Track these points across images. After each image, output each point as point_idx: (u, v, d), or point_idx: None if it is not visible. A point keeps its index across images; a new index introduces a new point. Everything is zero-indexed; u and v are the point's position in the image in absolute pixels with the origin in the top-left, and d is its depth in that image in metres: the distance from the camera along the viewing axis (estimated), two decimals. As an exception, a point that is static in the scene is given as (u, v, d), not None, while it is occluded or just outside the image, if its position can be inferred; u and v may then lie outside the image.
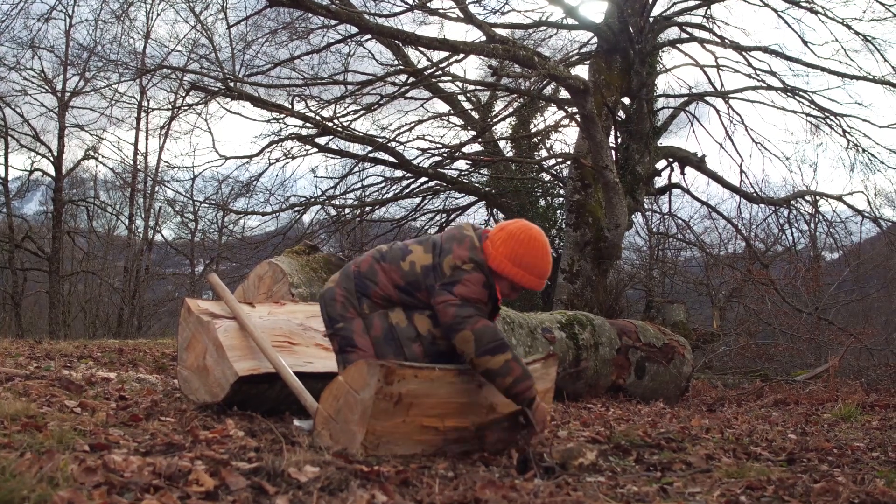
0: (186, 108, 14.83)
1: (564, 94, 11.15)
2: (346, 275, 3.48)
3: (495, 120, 14.91)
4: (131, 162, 21.21)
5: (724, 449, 3.80)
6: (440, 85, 14.31)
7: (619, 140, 12.61)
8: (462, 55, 11.87)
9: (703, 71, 14.54)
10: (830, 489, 2.73)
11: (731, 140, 15.09)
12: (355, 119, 13.56)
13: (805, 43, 13.68)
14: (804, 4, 13.02)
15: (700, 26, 14.04)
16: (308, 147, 13.58)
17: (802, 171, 41.31)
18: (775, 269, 15.74)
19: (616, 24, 12.06)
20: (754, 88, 14.09)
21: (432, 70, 12.99)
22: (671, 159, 13.99)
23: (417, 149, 14.08)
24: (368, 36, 12.18)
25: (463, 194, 15.26)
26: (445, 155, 13.90)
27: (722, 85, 14.72)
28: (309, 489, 2.27)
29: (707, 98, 14.77)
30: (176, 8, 18.20)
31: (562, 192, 14.02)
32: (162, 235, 22.77)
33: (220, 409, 3.76)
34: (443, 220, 15.38)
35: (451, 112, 15.29)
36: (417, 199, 15.20)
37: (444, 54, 12.35)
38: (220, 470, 2.34)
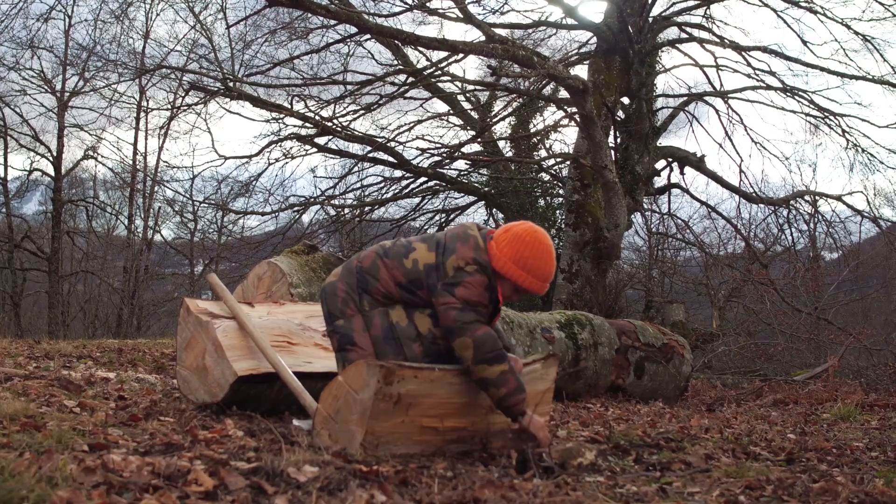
0: (186, 107, 14.86)
1: (564, 94, 11.16)
2: (349, 270, 3.46)
3: (495, 120, 14.92)
4: (130, 162, 21.21)
5: (724, 449, 3.80)
6: (439, 85, 14.32)
7: (619, 140, 12.61)
8: (461, 55, 11.89)
9: (702, 71, 14.55)
10: (829, 489, 2.73)
11: (731, 140, 15.11)
12: (354, 119, 13.60)
13: (804, 43, 13.70)
14: (803, 4, 13.02)
15: (699, 26, 14.05)
16: (307, 147, 13.59)
17: (802, 170, 41.37)
18: (775, 268, 15.74)
19: (615, 24, 12.06)
20: (754, 88, 14.10)
21: (432, 70, 12.99)
22: (670, 159, 13.99)
23: (417, 149, 14.11)
24: (368, 36, 12.19)
25: (462, 194, 15.27)
26: (445, 155, 13.91)
27: (721, 85, 14.73)
28: (308, 489, 2.27)
29: (706, 98, 14.77)
30: (175, 8, 18.21)
31: (561, 191, 14.03)
32: (161, 235, 22.79)
33: (219, 408, 3.76)
34: (442, 219, 15.39)
35: (451, 112, 15.30)
36: (417, 199, 15.22)
37: (443, 54, 12.35)
38: (220, 470, 2.34)
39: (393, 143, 13.45)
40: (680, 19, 13.88)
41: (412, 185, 14.56)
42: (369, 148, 13.23)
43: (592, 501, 2.43)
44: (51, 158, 19.83)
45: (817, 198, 15.42)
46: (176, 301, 20.27)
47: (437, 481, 2.57)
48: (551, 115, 15.27)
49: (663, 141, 14.20)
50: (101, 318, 21.24)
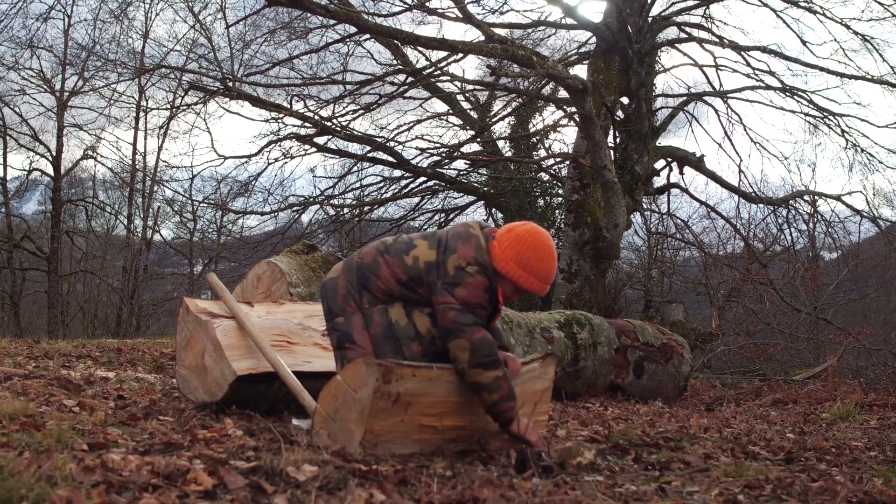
0: (185, 107, 14.85)
1: (563, 93, 11.15)
2: (350, 266, 3.45)
3: (494, 119, 14.92)
4: (130, 162, 21.21)
5: (723, 448, 3.81)
6: (439, 85, 14.31)
7: (618, 140, 12.61)
8: (461, 55, 11.88)
9: (701, 71, 14.55)
10: (828, 488, 2.73)
11: (730, 140, 15.11)
12: (354, 119, 13.59)
13: (804, 43, 13.71)
14: (803, 4, 13.03)
15: (699, 26, 14.05)
16: (307, 147, 13.59)
17: (801, 170, 41.42)
18: (774, 268, 15.75)
19: (615, 24, 12.06)
20: (753, 88, 14.10)
21: (431, 70, 12.99)
22: (670, 159, 13.99)
23: (416, 148, 14.11)
24: (367, 36, 12.18)
25: (462, 194, 15.27)
26: (444, 155, 13.91)
27: (721, 85, 14.73)
28: (307, 488, 2.27)
29: (706, 98, 14.77)
30: (175, 8, 18.23)
31: (560, 191, 14.03)
32: (161, 235, 22.79)
33: (218, 408, 3.76)
34: (441, 219, 15.39)
35: (450, 112, 15.30)
36: (416, 199, 15.22)
37: (442, 54, 12.34)
38: (219, 469, 2.34)
39: (392, 143, 13.45)
40: (679, 19, 13.89)
41: (411, 185, 14.56)
42: (368, 148, 13.22)
43: (591, 500, 2.43)
44: (50, 158, 19.83)
45: (816, 198, 15.42)
46: (175, 301, 20.27)
47: (436, 480, 2.57)
48: (550, 114, 15.30)
49: (663, 141, 14.21)
50: (100, 317, 21.25)
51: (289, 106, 12.64)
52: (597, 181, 10.92)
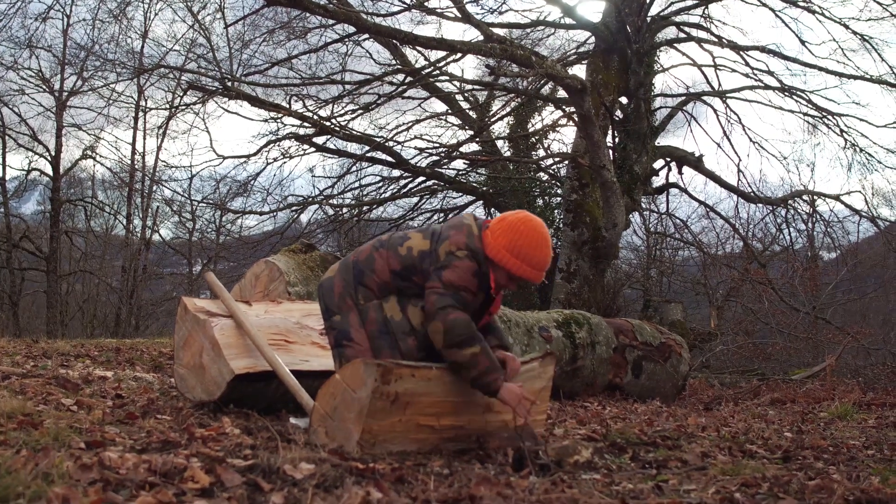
0: (184, 107, 14.83)
1: (562, 93, 11.15)
2: (346, 265, 3.48)
3: (493, 119, 14.91)
4: (129, 161, 21.21)
5: (720, 447, 3.81)
6: (438, 84, 14.31)
7: (617, 139, 12.61)
8: (460, 54, 11.88)
9: (700, 70, 14.55)
10: (825, 486, 2.73)
11: (729, 139, 15.11)
12: (353, 118, 13.59)
13: (802, 42, 13.71)
14: (801, 4, 13.03)
15: (697, 26, 14.06)
16: (305, 146, 13.58)
17: (800, 170, 41.43)
18: (773, 268, 15.75)
19: (613, 24, 12.06)
20: (752, 88, 14.10)
21: (430, 69, 12.98)
22: (669, 159, 13.99)
23: (415, 148, 14.11)
24: (366, 35, 12.19)
25: (461, 194, 15.26)
26: (443, 154, 13.91)
27: (719, 84, 14.73)
28: (304, 486, 2.27)
29: (705, 98, 14.77)
30: (174, 7, 18.25)
31: (559, 191, 14.03)
32: (160, 235, 22.78)
33: (216, 407, 3.76)
34: (440, 219, 15.37)
35: (449, 111, 15.29)
36: (415, 199, 15.21)
37: (441, 54, 12.34)
38: (216, 467, 2.34)
39: (391, 143, 13.45)
40: (678, 19, 13.90)
41: (410, 185, 14.56)
42: (367, 147, 13.22)
43: (588, 499, 2.43)
44: (49, 158, 19.81)
45: (815, 197, 15.42)
46: (174, 301, 20.24)
47: (434, 479, 2.57)
48: (549, 114, 15.28)
49: (661, 140, 14.21)
50: (99, 317, 21.24)
51: (288, 106, 12.64)
52: (595, 181, 10.92)
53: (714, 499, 2.57)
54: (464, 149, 14.14)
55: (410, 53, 13.81)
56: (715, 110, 14.87)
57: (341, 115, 13.23)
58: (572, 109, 11.66)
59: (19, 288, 19.84)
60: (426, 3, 11.23)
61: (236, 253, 17.17)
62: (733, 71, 14.26)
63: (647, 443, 3.79)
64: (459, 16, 10.17)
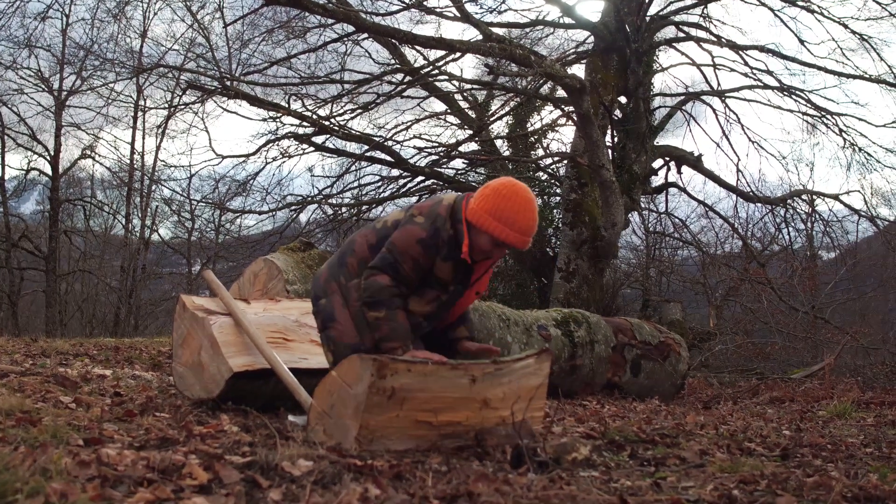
0: (183, 106, 14.83)
1: (561, 93, 11.16)
2: (334, 255, 3.60)
3: (492, 119, 14.91)
4: (128, 161, 21.23)
5: (718, 444, 3.81)
6: (437, 84, 14.29)
7: (616, 139, 12.62)
8: (459, 54, 11.87)
9: (699, 70, 14.56)
10: (823, 483, 2.74)
11: (728, 139, 15.12)
12: (352, 118, 13.58)
13: (801, 42, 13.72)
14: (800, 3, 13.04)
15: (696, 25, 14.06)
16: (305, 146, 13.56)
17: (799, 170, 41.31)
18: (772, 268, 15.76)
19: (613, 23, 12.07)
20: (751, 87, 14.10)
21: (429, 69, 12.98)
22: (668, 158, 14.00)
23: (414, 148, 14.12)
24: (365, 35, 12.17)
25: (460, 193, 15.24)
26: (442, 154, 13.90)
27: (718, 84, 14.74)
28: (302, 483, 2.27)
29: (704, 97, 14.78)
30: (173, 7, 18.25)
31: (558, 191, 14.02)
32: (159, 234, 22.79)
33: (214, 404, 3.76)
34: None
35: (448, 111, 15.28)
36: (414, 199, 15.17)
37: (440, 53, 12.34)
38: (214, 464, 2.34)
39: (390, 142, 13.44)
40: (677, 18, 13.91)
41: (409, 184, 14.53)
42: (366, 147, 13.21)
43: (586, 496, 2.43)
44: (48, 158, 19.82)
45: (814, 197, 15.44)
46: (173, 300, 20.19)
47: (431, 475, 2.57)
48: (549, 114, 15.28)
49: (660, 140, 14.21)
50: (98, 317, 21.25)
51: (287, 105, 12.63)
52: (595, 180, 10.92)
53: (712, 496, 2.57)
54: (463, 148, 14.13)
55: (409, 53, 13.81)
56: (714, 110, 14.89)
57: (340, 115, 13.23)
58: (571, 109, 11.65)
59: (18, 287, 19.84)
60: (425, 3, 11.24)
61: (235, 252, 17.17)
62: (732, 70, 14.29)
63: (646, 440, 3.79)
64: (458, 15, 10.18)
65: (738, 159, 16.18)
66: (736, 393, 8.39)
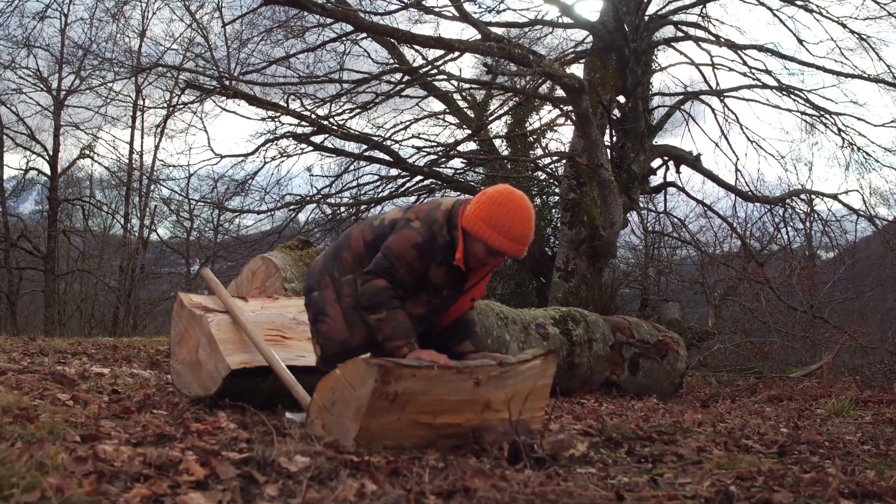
0: (182, 106, 14.80)
1: (560, 92, 11.16)
2: (330, 248, 3.61)
3: (491, 118, 14.91)
4: (127, 161, 21.21)
5: (716, 442, 3.81)
6: (435, 83, 14.30)
7: (615, 138, 12.62)
8: (457, 53, 11.88)
9: (698, 69, 14.61)
10: (820, 480, 2.74)
11: (727, 139, 15.15)
12: (351, 118, 13.59)
13: (800, 41, 13.75)
14: (799, 2, 13.06)
15: (695, 25, 14.08)
16: (303, 146, 13.57)
17: (798, 169, 41.32)
18: (770, 267, 15.77)
19: (611, 23, 12.07)
20: (749, 87, 14.13)
21: (428, 68, 12.98)
22: (666, 158, 14.01)
23: (413, 147, 14.15)
24: (364, 34, 12.18)
25: (458, 193, 15.24)
26: (441, 153, 13.91)
27: (717, 83, 14.77)
28: (299, 478, 2.27)
29: (702, 97, 14.80)
30: (172, 6, 18.24)
31: (557, 190, 14.03)
32: (157, 234, 22.77)
33: (212, 402, 3.76)
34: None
35: (447, 110, 15.29)
36: (413, 198, 15.17)
37: (439, 53, 12.35)
38: (211, 460, 2.34)
39: (389, 142, 13.45)
40: (676, 18, 13.93)
41: (408, 184, 14.54)
42: (365, 146, 13.21)
43: (583, 492, 2.43)
44: (47, 157, 19.81)
45: (813, 196, 15.45)
46: (172, 300, 20.18)
47: (428, 471, 2.57)
48: (547, 113, 15.30)
49: (659, 139, 14.23)
50: (97, 316, 21.24)
51: (285, 105, 12.63)
52: (593, 180, 10.93)
53: (709, 492, 2.57)
54: (461, 148, 14.15)
55: (408, 52, 13.82)
56: (713, 109, 14.92)
57: (339, 114, 13.23)
58: (570, 108, 11.65)
59: (17, 287, 19.82)
60: (424, 2, 11.25)
61: (234, 252, 17.16)
62: (731, 70, 14.33)
63: (643, 438, 3.79)
64: (457, 15, 10.18)
65: (737, 159, 16.30)
66: (734, 392, 8.39)
